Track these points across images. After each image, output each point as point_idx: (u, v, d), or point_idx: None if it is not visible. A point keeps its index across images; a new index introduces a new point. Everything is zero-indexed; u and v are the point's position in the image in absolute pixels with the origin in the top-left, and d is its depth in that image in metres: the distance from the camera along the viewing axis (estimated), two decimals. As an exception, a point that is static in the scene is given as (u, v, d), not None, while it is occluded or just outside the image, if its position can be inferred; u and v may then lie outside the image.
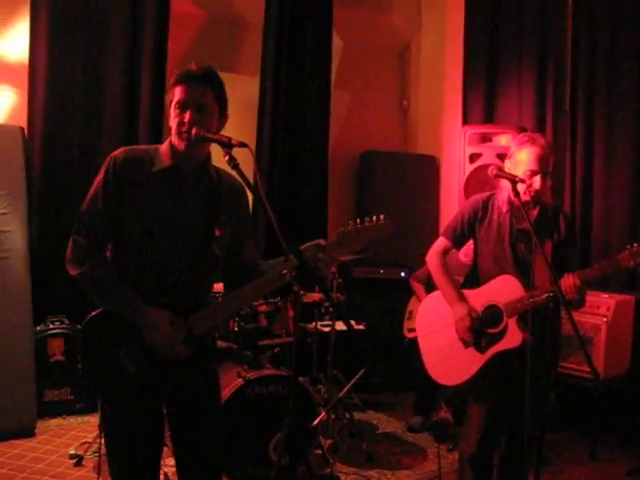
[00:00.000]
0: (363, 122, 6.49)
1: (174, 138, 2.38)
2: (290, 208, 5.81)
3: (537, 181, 3.18)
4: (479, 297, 3.35)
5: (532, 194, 3.19)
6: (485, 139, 5.39)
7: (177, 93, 2.35)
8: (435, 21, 6.72)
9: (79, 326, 4.94)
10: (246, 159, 2.32)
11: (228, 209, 2.50)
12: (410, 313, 5.38)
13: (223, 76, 2.44)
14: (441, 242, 3.53)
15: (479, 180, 5.32)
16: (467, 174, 5.37)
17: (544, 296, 3.05)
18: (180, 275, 2.41)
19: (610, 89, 5.16)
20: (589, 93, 5.27)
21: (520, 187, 3.17)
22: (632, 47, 5.02)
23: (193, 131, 2.31)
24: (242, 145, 2.29)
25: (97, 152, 5.11)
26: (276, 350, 4.33)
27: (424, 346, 3.57)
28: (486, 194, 3.53)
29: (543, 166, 3.18)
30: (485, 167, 5.29)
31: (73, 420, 4.93)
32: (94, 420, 4.84)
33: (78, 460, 4.18)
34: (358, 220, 2.40)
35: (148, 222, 2.36)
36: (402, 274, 5.85)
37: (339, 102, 6.17)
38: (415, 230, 6.05)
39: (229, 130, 2.44)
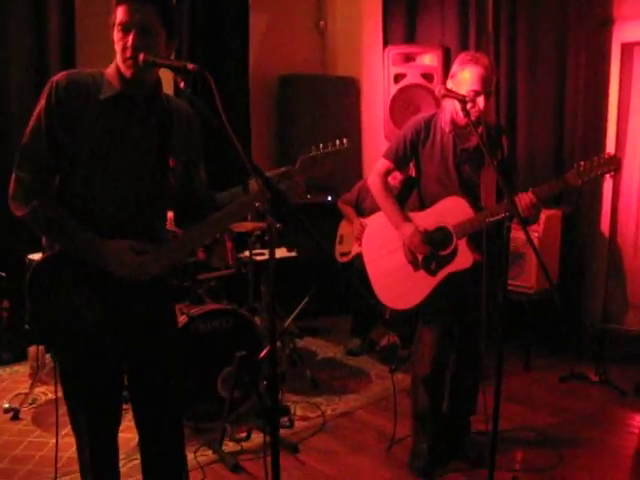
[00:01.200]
0: (281, 45, 6.26)
1: (120, 64, 2.16)
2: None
3: (481, 101, 3.14)
4: (426, 219, 3.34)
5: (476, 114, 3.14)
6: (409, 59, 5.31)
7: (119, 14, 2.11)
8: (351, -62, 6.48)
9: (0, 273, 4.68)
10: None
11: (180, 136, 2.33)
12: (341, 237, 5.36)
13: None
14: (383, 164, 3.47)
15: (404, 100, 5.30)
16: (392, 94, 5.29)
17: (501, 215, 3.05)
18: (135, 209, 2.23)
19: (532, 9, 5.13)
20: (511, 13, 5.21)
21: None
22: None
23: (141, 57, 2.10)
24: (199, 70, 2.12)
25: (5, 93, 4.77)
26: (211, 283, 4.21)
27: (372, 271, 3.57)
28: (428, 114, 3.47)
29: (486, 86, 3.13)
30: (410, 87, 5.28)
31: (1, 371, 4.69)
32: (24, 369, 4.64)
33: (14, 414, 3.95)
34: (320, 145, 2.35)
35: (98, 153, 2.16)
36: (329, 198, 5.78)
37: (256, 24, 5.92)
38: (338, 152, 5.97)
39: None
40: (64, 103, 2.12)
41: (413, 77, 5.23)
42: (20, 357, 4.77)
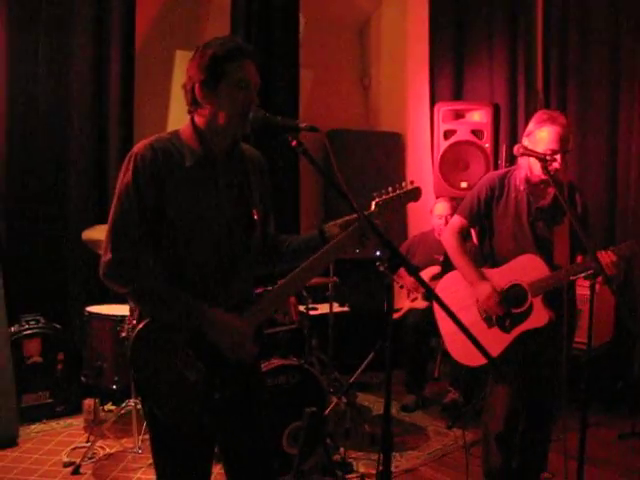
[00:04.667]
0: (326, 100, 6.38)
1: (235, 120, 2.15)
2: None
3: (558, 160, 3.17)
4: (501, 276, 3.34)
5: (553, 172, 3.17)
6: (458, 115, 5.38)
7: (240, 69, 2.13)
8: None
9: (56, 325, 4.70)
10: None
11: (257, 185, 2.34)
12: (391, 293, 5.35)
13: (188, 55, 2.22)
14: (457, 221, 3.49)
15: (454, 156, 5.34)
16: (442, 151, 5.35)
17: (587, 273, 3.06)
18: (229, 267, 2.23)
19: (582, 67, 5.20)
20: (561, 71, 5.29)
21: (537, 166, 3.18)
22: (602, 25, 5.08)
23: (251, 114, 2.13)
24: (312, 129, 2.15)
25: (64, 141, 4.92)
26: (280, 338, 4.20)
27: (444, 328, 3.56)
28: (502, 171, 3.53)
29: (564, 145, 3.17)
30: (460, 143, 5.33)
31: (55, 424, 4.62)
32: (77, 423, 4.62)
33: (75, 469, 3.89)
34: (390, 188, 2.37)
35: (191, 218, 2.15)
36: (377, 253, 5.78)
37: (303, 80, 6.03)
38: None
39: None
40: (153, 175, 2.11)
41: (463, 134, 5.29)
42: (73, 410, 4.73)
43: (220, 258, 2.21)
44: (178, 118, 5.24)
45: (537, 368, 3.39)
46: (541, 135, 3.20)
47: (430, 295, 2.23)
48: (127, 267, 2.11)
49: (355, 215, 2.22)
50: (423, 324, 4.93)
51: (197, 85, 2.16)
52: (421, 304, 5.13)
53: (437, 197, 5.38)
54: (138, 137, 5.01)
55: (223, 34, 5.31)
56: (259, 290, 2.71)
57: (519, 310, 3.28)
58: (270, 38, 5.62)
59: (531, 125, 3.30)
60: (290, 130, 2.15)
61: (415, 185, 2.41)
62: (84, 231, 4.09)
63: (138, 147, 2.16)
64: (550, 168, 3.13)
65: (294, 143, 2.14)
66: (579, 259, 3.25)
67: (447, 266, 3.83)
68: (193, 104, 2.20)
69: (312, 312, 4.82)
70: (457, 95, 5.95)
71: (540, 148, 3.17)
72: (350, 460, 4.04)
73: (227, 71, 2.13)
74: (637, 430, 4.53)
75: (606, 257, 3.03)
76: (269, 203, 2.45)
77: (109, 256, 2.11)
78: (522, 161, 3.34)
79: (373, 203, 2.33)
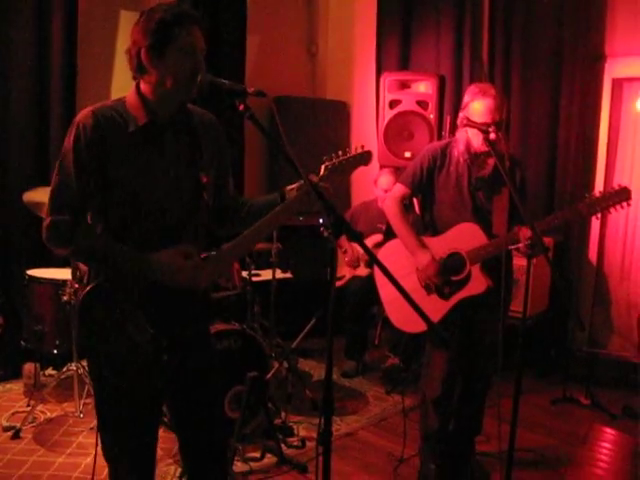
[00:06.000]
0: (272, 66, 6.32)
1: (182, 85, 2.12)
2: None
3: (492, 131, 3.24)
4: (440, 244, 3.41)
5: (492, 142, 3.24)
6: (404, 86, 5.42)
7: (185, 35, 2.09)
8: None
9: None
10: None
11: (209, 150, 2.32)
12: (334, 261, 5.40)
13: (133, 16, 2.21)
14: (399, 189, 3.54)
15: (399, 126, 5.39)
16: (387, 120, 5.39)
17: (525, 243, 3.13)
18: (175, 231, 2.23)
19: (526, 40, 5.30)
20: (506, 43, 5.38)
21: (478, 137, 3.26)
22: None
23: (198, 77, 2.12)
24: (260, 95, 2.15)
25: (5, 104, 4.76)
26: (223, 303, 4.22)
27: (385, 295, 3.62)
28: (444, 142, 3.59)
29: (496, 116, 3.24)
30: (405, 113, 5.37)
31: (-6, 389, 4.59)
32: (17, 387, 4.58)
33: (15, 433, 3.87)
34: (340, 152, 2.40)
35: (133, 185, 2.14)
36: (320, 220, 5.82)
37: (250, 45, 5.97)
38: (327, 175, 6.05)
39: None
40: (95, 143, 2.10)
41: (408, 104, 5.33)
42: (12, 374, 4.69)
43: (166, 222, 2.21)
44: (122, 82, 5.14)
45: (474, 335, 3.49)
46: (474, 108, 3.26)
47: (373, 261, 2.26)
48: (65, 229, 2.11)
49: (320, 172, 2.29)
50: (364, 292, 5.00)
51: (143, 50, 2.11)
52: (363, 272, 5.21)
53: (381, 166, 5.42)
54: (80, 101, 4.91)
55: (169, -2, 5.28)
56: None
57: (458, 278, 3.36)
58: (217, 2, 5.53)
59: (465, 98, 3.37)
60: (237, 95, 2.13)
61: (366, 149, 2.44)
62: (25, 193, 4.02)
63: (80, 114, 2.14)
64: (490, 138, 3.21)
65: (241, 107, 2.11)
66: (517, 229, 3.34)
67: (389, 235, 3.89)
68: (138, 70, 2.17)
69: (255, 278, 4.84)
70: (403, 65, 6.00)
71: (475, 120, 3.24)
72: (291, 424, 4.11)
73: (175, 36, 2.09)
74: (568, 396, 4.73)
75: (527, 231, 3.10)
76: (227, 165, 2.45)
77: (49, 219, 2.12)
78: (460, 134, 3.42)
79: (322, 167, 2.35)
